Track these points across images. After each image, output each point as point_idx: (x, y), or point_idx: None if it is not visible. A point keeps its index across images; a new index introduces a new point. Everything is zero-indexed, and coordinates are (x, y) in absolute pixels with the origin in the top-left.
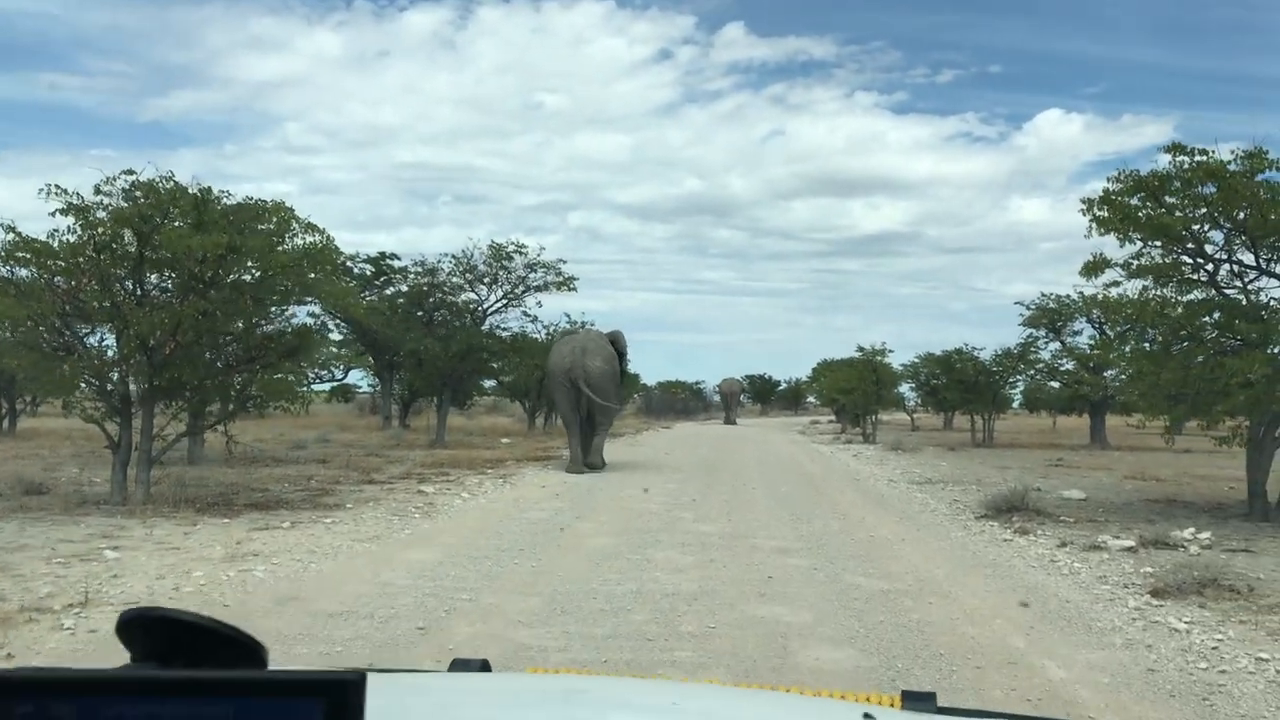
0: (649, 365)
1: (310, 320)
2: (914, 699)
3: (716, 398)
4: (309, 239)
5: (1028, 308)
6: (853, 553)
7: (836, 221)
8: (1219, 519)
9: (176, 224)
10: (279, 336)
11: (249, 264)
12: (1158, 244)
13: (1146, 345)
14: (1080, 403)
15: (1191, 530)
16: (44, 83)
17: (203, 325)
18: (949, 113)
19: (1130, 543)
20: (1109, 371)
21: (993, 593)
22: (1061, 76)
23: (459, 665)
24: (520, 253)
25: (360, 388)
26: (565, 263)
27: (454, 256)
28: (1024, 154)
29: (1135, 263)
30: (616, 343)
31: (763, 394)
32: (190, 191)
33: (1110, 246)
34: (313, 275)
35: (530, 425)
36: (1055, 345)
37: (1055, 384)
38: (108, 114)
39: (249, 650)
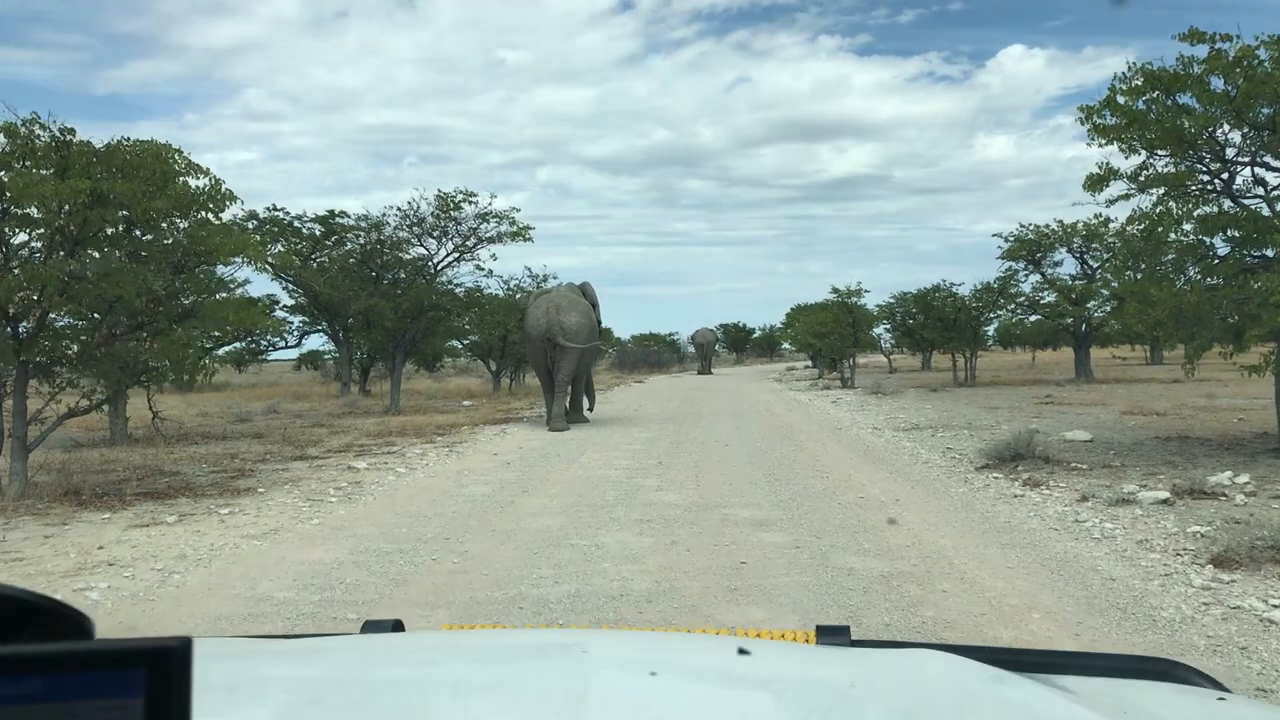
0: (623, 319)
1: (206, 278)
2: (828, 633)
3: (691, 349)
4: (195, 183)
5: (1006, 240)
6: (841, 522)
7: (805, 167)
8: (1245, 457)
9: (34, 170)
10: (168, 299)
11: (122, 215)
12: (1165, 152)
13: (1156, 267)
14: (1061, 336)
15: (1228, 474)
16: None
17: (73, 290)
18: (912, 53)
19: (1163, 493)
20: (1091, 302)
21: (1017, 571)
22: (1023, 10)
23: (371, 627)
24: (470, 202)
25: (327, 354)
26: (519, 210)
27: (400, 209)
28: (988, 91)
29: (1144, 174)
30: (586, 294)
31: (737, 343)
32: (51, 131)
33: (1095, 165)
34: (197, 221)
35: (495, 386)
36: (1036, 277)
37: (1036, 317)
38: (63, 88)
39: (72, 623)
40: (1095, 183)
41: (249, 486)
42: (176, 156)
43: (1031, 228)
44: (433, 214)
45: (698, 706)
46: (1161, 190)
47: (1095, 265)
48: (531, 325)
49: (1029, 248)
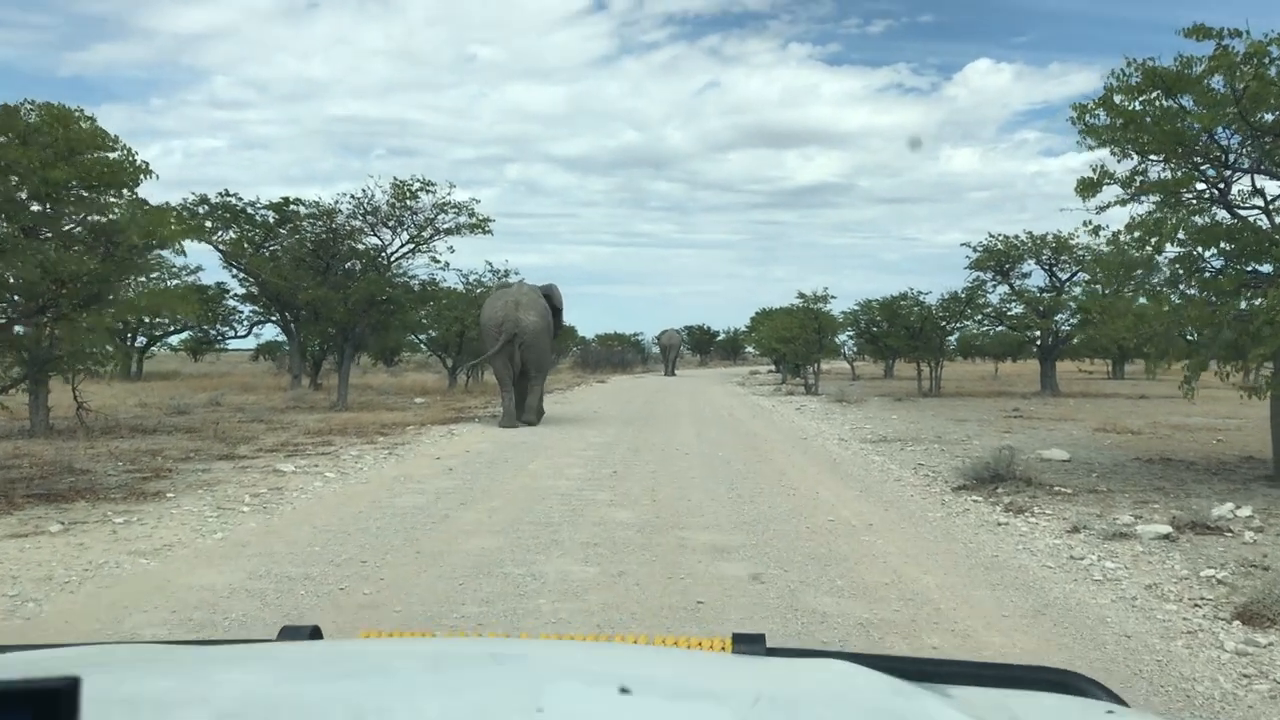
0: (588, 318)
1: (122, 260)
2: (744, 640)
3: (655, 350)
4: (108, 156)
5: (975, 250)
6: (811, 550)
7: (772, 173)
8: (1238, 485)
9: None
10: (72, 280)
11: (14, 183)
12: (1158, 157)
13: (1149, 280)
14: (1024, 348)
15: (1230, 506)
16: None
17: None
18: (881, 64)
19: (1163, 527)
20: (1059, 315)
21: (1014, 620)
22: (991, 25)
23: (288, 633)
24: (427, 191)
25: (284, 345)
26: (478, 201)
27: (353, 196)
28: (954, 104)
29: (1140, 179)
30: (551, 297)
31: (702, 345)
32: None
33: (1089, 168)
34: (107, 198)
35: (451, 383)
36: (1003, 289)
37: (1002, 328)
38: (26, 68)
39: None
40: (1087, 187)
41: (159, 490)
42: (83, 123)
43: (1000, 238)
44: (388, 203)
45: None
46: (1156, 197)
47: (1064, 278)
48: (488, 318)
49: (997, 258)
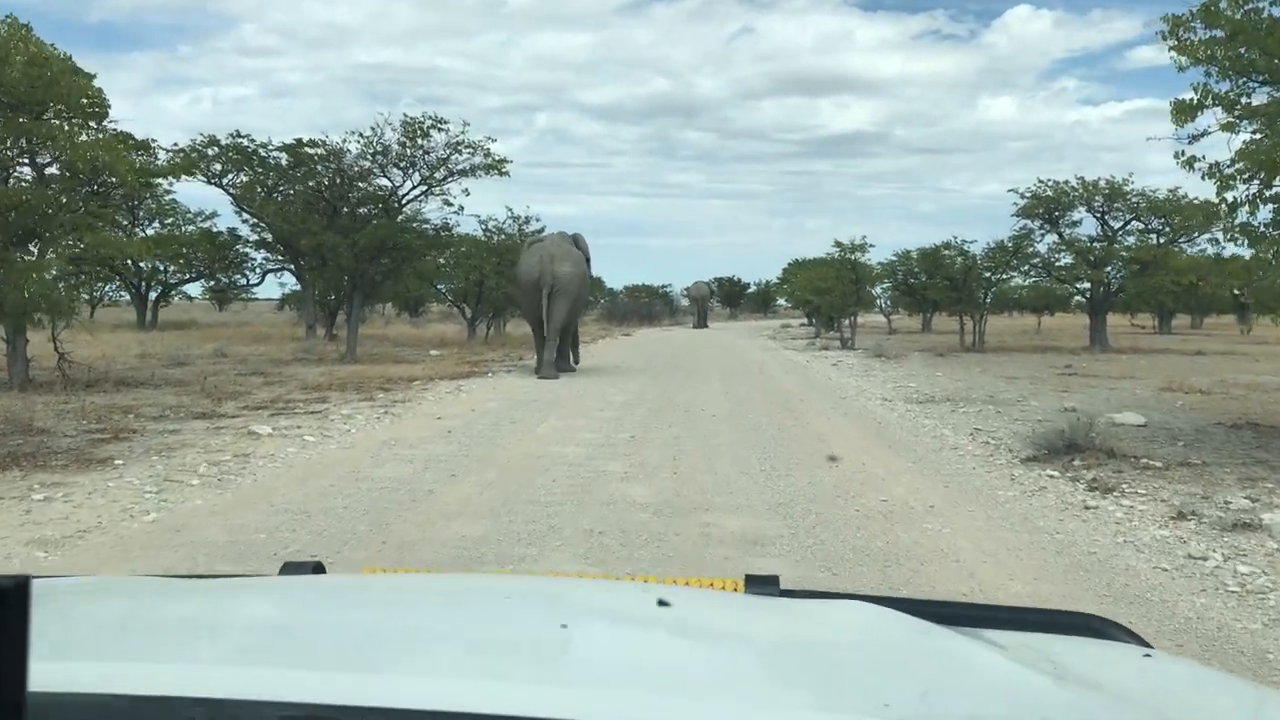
0: (616, 270)
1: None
2: (757, 582)
3: (684, 302)
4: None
5: (1022, 196)
6: (863, 544)
7: (805, 122)
8: None
9: None
10: (3, 213)
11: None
12: (1262, 78)
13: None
14: (1065, 302)
15: None
16: None
17: None
18: (918, 9)
19: None
20: (1109, 266)
21: None
22: None
23: (291, 568)
24: (439, 128)
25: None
26: (495, 140)
27: (361, 135)
28: (993, 51)
29: (1244, 100)
30: (579, 246)
31: (732, 297)
32: None
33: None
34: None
35: (470, 334)
36: (1052, 238)
37: (1050, 280)
38: (54, 14)
39: None
40: (1183, 110)
41: (110, 455)
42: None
43: (1050, 183)
44: (399, 142)
45: (623, 657)
46: (1254, 125)
47: (1117, 226)
48: (524, 273)
49: (1046, 205)
